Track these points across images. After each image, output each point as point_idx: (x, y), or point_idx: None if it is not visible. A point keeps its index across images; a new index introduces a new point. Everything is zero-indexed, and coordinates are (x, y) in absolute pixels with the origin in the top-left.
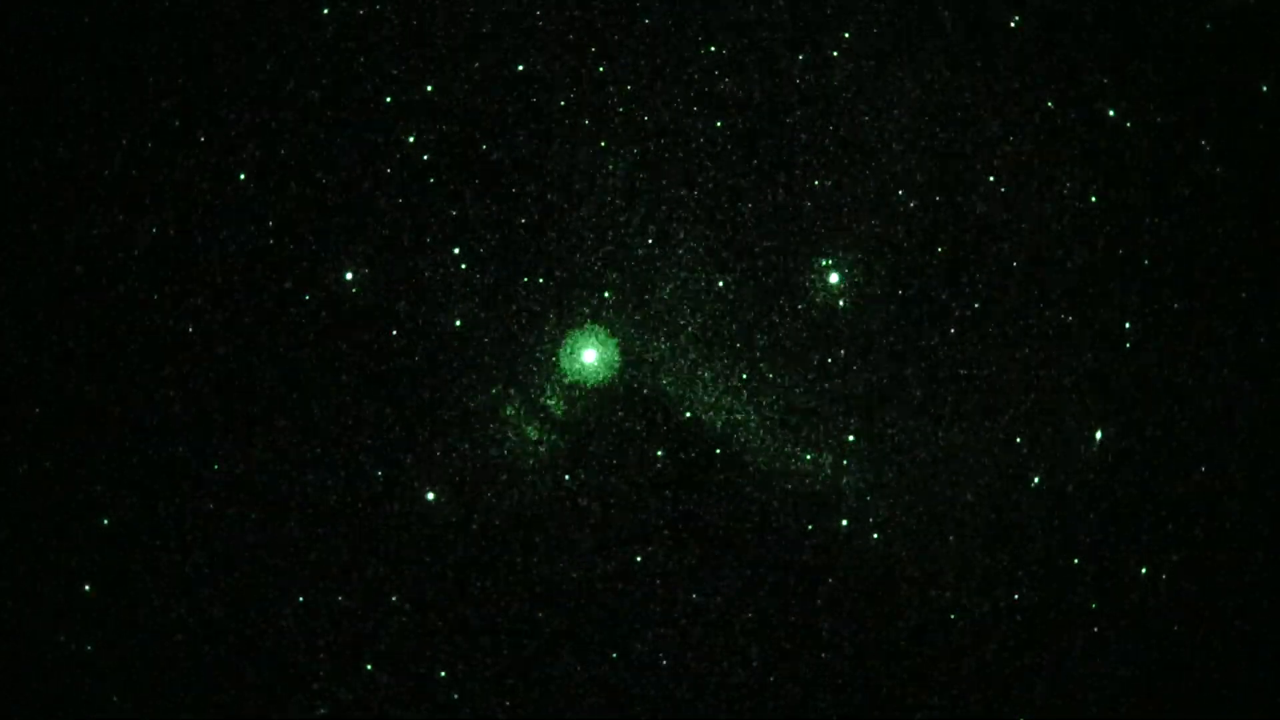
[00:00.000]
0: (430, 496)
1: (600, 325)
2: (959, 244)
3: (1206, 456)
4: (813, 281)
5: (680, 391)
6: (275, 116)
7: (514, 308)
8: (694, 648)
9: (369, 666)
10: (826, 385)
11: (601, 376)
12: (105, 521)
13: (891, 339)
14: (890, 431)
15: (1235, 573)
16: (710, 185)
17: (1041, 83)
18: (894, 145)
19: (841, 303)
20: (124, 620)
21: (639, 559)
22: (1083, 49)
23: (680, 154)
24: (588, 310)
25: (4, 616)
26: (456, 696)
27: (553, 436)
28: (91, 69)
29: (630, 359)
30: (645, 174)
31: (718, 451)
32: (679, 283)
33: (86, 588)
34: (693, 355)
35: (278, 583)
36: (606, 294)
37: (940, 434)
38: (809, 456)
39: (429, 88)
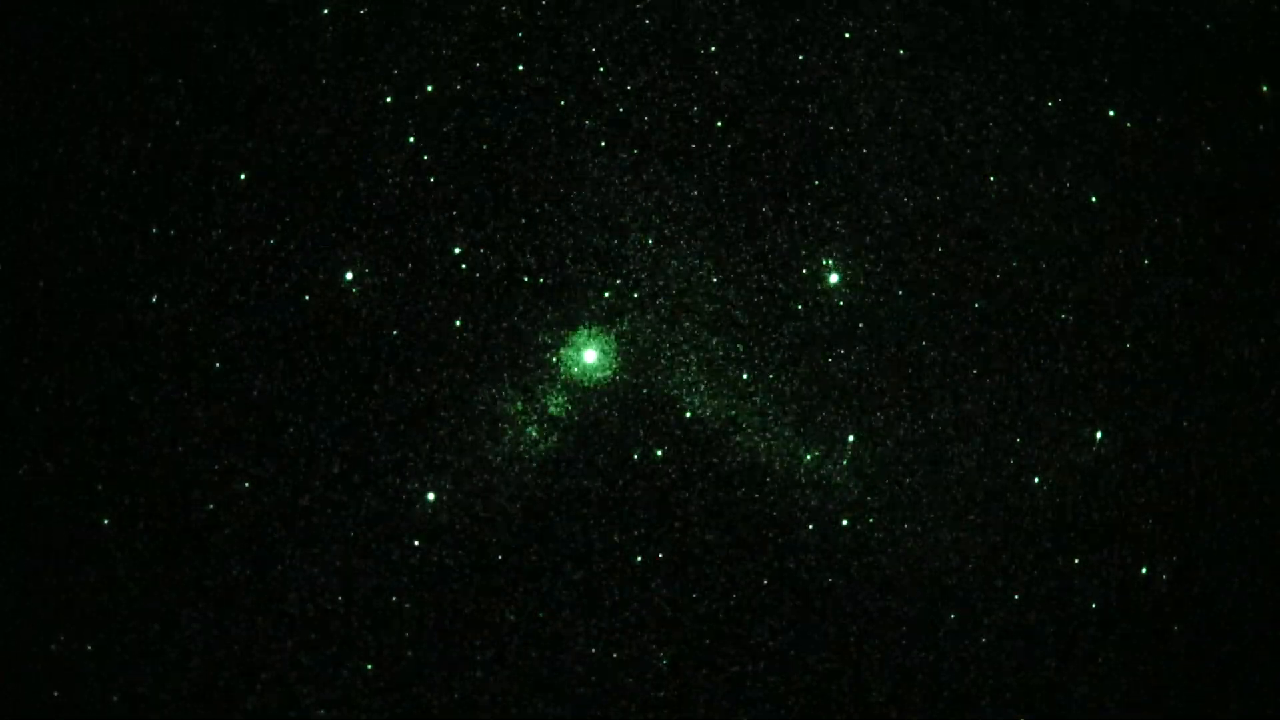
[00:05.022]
0: (430, 496)
1: (600, 325)
2: (959, 243)
3: (1207, 457)
4: (813, 281)
5: (680, 391)
6: (275, 116)
7: (514, 308)
8: (694, 647)
9: (369, 666)
10: (826, 384)
11: (601, 376)
12: (105, 521)
13: (892, 339)
14: (890, 431)
15: (1235, 573)
16: (710, 185)
17: (1041, 83)
18: (894, 145)
19: (841, 302)
20: (124, 620)
21: (639, 559)
22: (1083, 49)
23: (680, 154)
24: (588, 310)
25: (4, 616)
26: (457, 696)
27: (553, 436)
28: (91, 69)
29: (630, 359)
30: (645, 174)
31: (718, 451)
32: (679, 282)
33: (87, 586)
34: (693, 355)
35: (278, 582)
36: (606, 294)
37: (940, 434)
38: (809, 456)
39: (429, 88)
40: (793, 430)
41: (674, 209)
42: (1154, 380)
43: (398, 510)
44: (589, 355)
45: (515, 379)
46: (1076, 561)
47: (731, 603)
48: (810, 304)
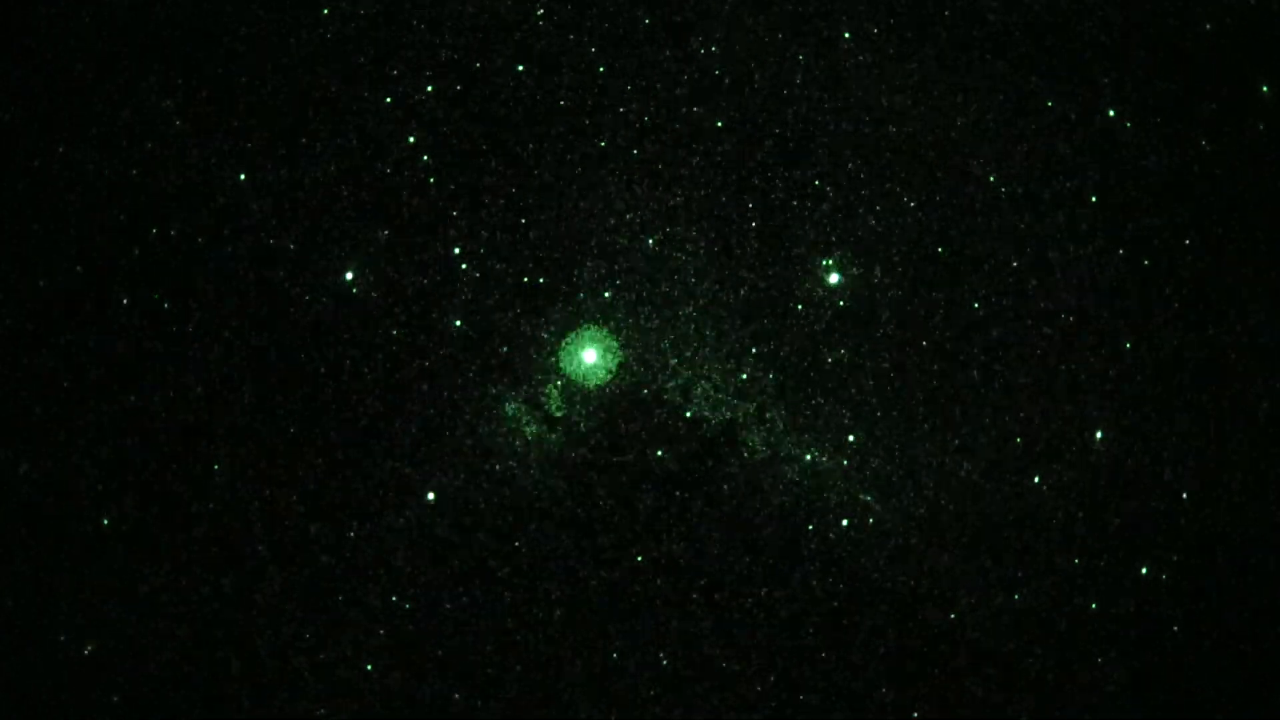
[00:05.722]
0: (430, 496)
1: (600, 325)
2: (959, 244)
3: (1207, 457)
4: (813, 281)
5: (680, 391)
6: (276, 116)
7: (514, 308)
8: (694, 647)
9: (369, 666)
10: (827, 384)
11: (601, 376)
12: (105, 521)
13: (891, 339)
14: (890, 431)
15: (1235, 573)
16: (711, 185)
17: (1041, 83)
18: (895, 146)
19: (841, 303)
20: (124, 620)
21: (640, 558)
22: (1083, 49)
23: (681, 154)
24: (588, 310)
25: (4, 616)
26: (457, 696)
27: (553, 436)
28: (93, 69)
29: (630, 359)
30: (646, 174)
31: (718, 451)
32: (679, 282)
33: (86, 588)
34: (693, 355)
35: (278, 583)
36: (606, 294)
37: (940, 434)
38: (809, 456)
39: (429, 88)
40: (793, 430)
41: (674, 209)
42: (1154, 380)
43: (398, 510)
44: (589, 355)
45: (515, 379)
46: (1076, 561)
47: (732, 603)
48: (810, 304)
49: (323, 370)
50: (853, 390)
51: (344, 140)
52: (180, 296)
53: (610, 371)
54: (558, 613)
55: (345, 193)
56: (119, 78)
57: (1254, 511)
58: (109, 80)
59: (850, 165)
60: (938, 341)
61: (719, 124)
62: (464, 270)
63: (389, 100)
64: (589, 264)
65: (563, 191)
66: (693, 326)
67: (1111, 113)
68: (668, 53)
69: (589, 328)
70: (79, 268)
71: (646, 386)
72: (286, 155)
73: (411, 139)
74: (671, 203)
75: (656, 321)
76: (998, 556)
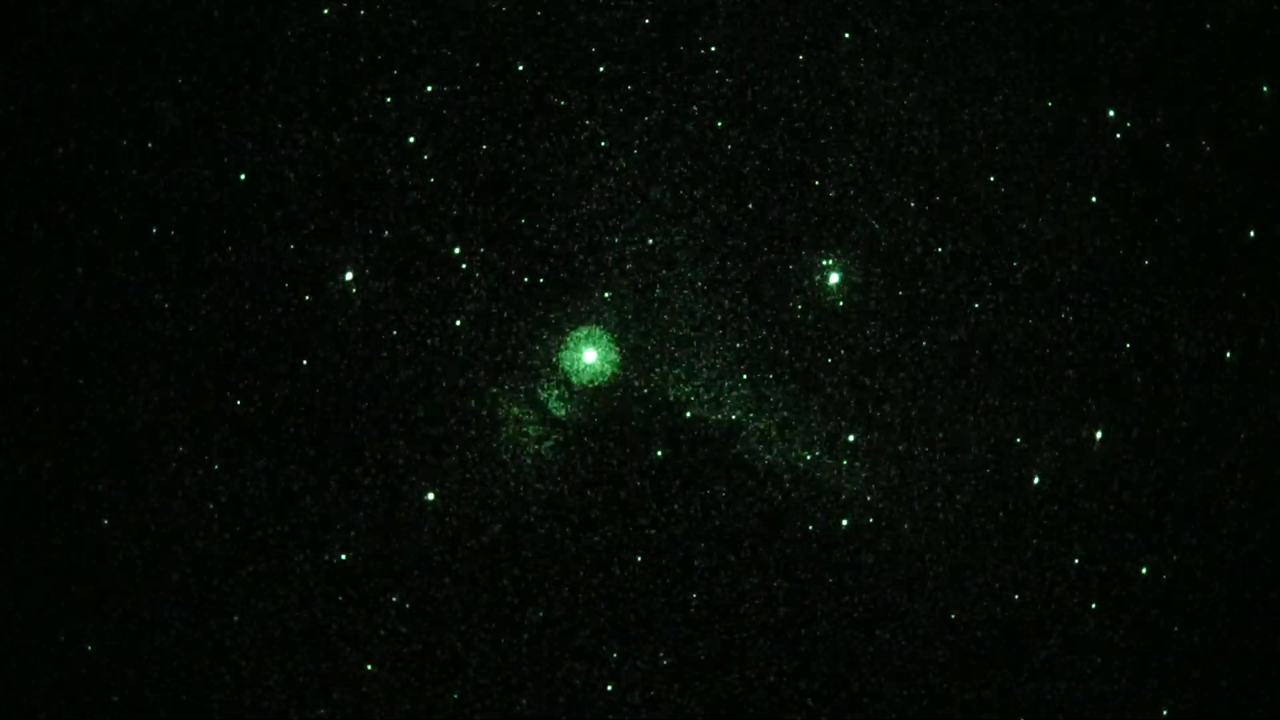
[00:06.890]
0: (430, 496)
1: (600, 325)
2: (959, 244)
3: (1207, 456)
4: (813, 281)
5: (680, 391)
6: (275, 116)
7: (514, 308)
8: (694, 648)
9: (369, 666)
10: (826, 385)
11: (601, 376)
12: (105, 521)
13: (892, 339)
14: (890, 431)
15: (1235, 573)
16: (711, 185)
17: (1042, 82)
18: (895, 145)
19: (841, 303)
20: (124, 620)
21: (640, 559)
22: (1083, 49)
23: (681, 153)
24: (588, 310)
25: (4, 616)
26: (457, 696)
27: (553, 436)
28: (92, 69)
29: (630, 359)
30: (646, 173)
31: (718, 451)
32: (679, 282)
33: (86, 588)
34: (693, 355)
35: (278, 583)
36: (606, 294)
37: (940, 434)
38: (809, 456)
39: (429, 88)
40: (793, 430)
41: (675, 208)
42: (1154, 380)
43: (398, 510)
44: (589, 355)
45: (515, 379)
46: (1076, 561)
47: (732, 602)
48: (810, 304)
49: (322, 370)
50: (852, 390)
51: (344, 140)
52: (179, 296)
53: (610, 371)
54: (557, 613)
55: (345, 193)
56: (119, 77)
57: (1254, 511)
58: (109, 80)
59: (850, 165)
60: (938, 341)
61: (719, 124)
62: (464, 270)
63: (389, 100)
64: (588, 264)
65: (563, 191)
66: (692, 326)
67: (1111, 113)
68: (668, 52)
69: (589, 328)
70: (79, 268)
71: (646, 386)
72: (286, 155)
73: (411, 139)
74: (672, 202)
75: (656, 321)
76: (997, 556)
